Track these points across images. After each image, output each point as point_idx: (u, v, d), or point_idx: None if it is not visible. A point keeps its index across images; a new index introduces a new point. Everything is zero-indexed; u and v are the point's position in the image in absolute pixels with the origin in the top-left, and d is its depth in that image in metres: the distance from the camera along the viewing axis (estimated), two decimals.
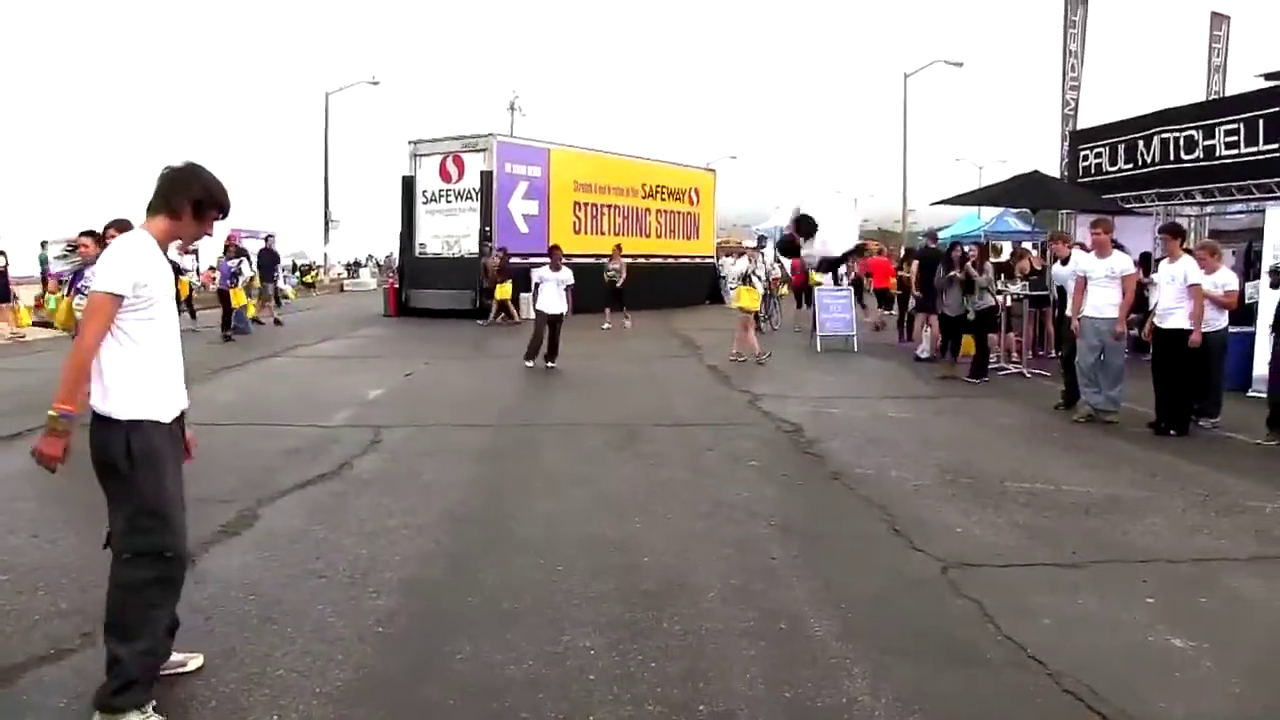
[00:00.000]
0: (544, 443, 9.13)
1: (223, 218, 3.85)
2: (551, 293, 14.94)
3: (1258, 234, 13.58)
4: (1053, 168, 21.66)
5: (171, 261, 4.09)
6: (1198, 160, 15.75)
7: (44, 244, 28.85)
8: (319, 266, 47.63)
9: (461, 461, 8.22)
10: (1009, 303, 15.11)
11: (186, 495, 3.97)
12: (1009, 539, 6.10)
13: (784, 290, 24.54)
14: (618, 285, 22.67)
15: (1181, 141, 16.09)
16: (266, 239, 26.78)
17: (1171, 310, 9.74)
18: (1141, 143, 17.26)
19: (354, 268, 55.70)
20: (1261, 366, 11.97)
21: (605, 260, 23.25)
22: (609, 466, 8.12)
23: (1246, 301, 11.84)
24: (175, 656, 3.97)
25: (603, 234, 27.74)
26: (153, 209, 3.73)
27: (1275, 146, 14.04)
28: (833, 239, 18.47)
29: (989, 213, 31.59)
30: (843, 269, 20.46)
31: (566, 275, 15.14)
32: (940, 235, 22.26)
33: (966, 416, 10.80)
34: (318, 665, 4.09)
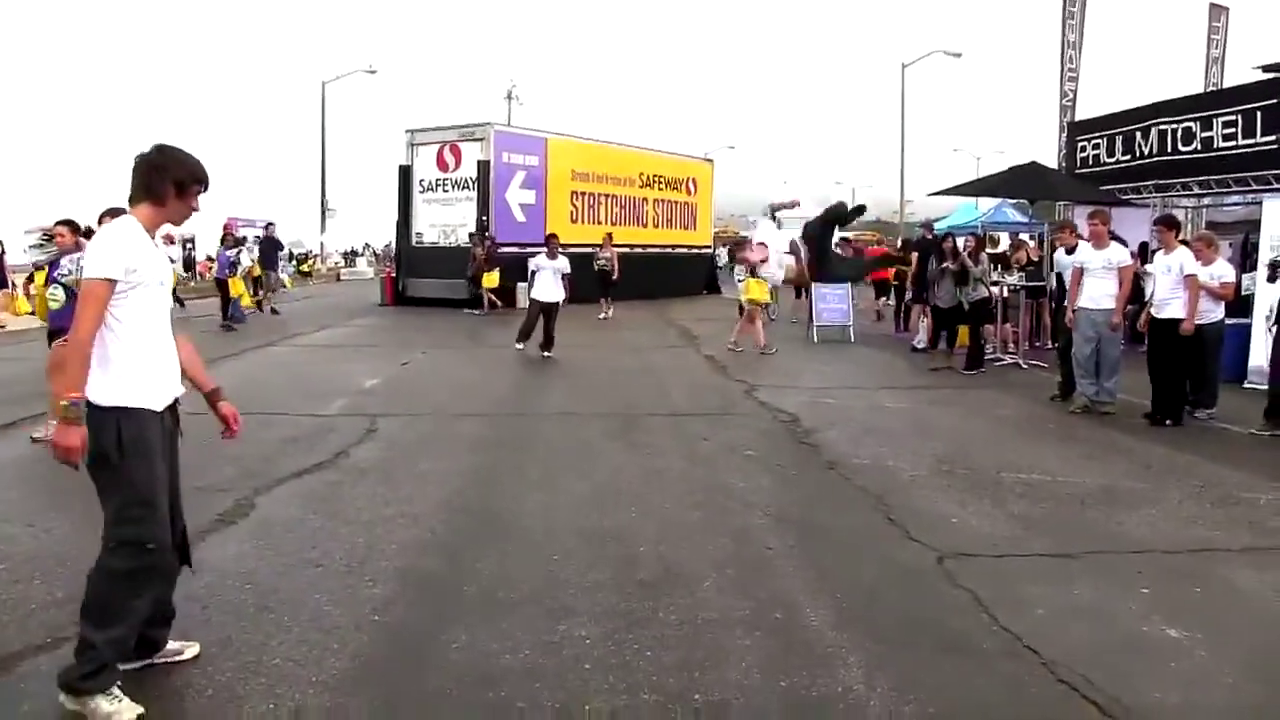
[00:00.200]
0: (540, 432, 9.14)
1: (205, 191, 3.83)
2: (548, 281, 14.93)
3: (1254, 226, 13.57)
4: (1050, 159, 21.63)
5: None
6: (1195, 152, 15.73)
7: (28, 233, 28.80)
8: (315, 255, 47.60)
9: (458, 451, 8.22)
10: (1005, 294, 15.12)
11: (183, 484, 3.98)
12: (1004, 529, 6.11)
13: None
14: (609, 274, 22.57)
15: (1179, 133, 16.07)
16: (267, 227, 26.66)
17: (1168, 301, 9.75)
18: (1139, 134, 17.24)
19: (351, 257, 55.67)
20: (1257, 358, 12.01)
21: (592, 250, 23.10)
22: (605, 456, 8.13)
23: (1243, 293, 11.85)
24: (171, 645, 3.97)
25: (600, 224, 27.72)
26: (134, 199, 3.72)
27: (1273, 138, 14.03)
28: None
29: (986, 204, 31.61)
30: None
31: (563, 264, 15.13)
32: (937, 226, 22.24)
33: (962, 407, 10.81)
34: (314, 654, 4.09)
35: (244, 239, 22.50)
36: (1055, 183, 18.26)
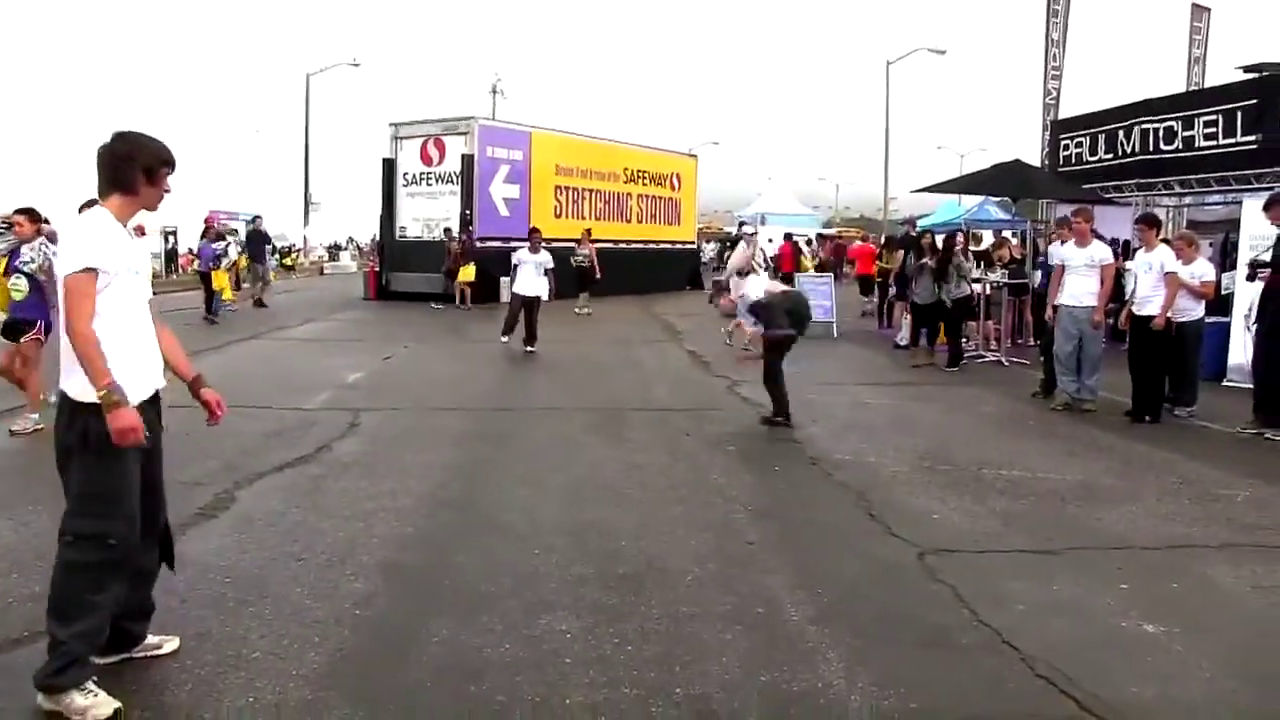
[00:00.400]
0: (523, 427, 9.13)
1: (173, 172, 3.78)
2: (530, 275, 14.89)
3: (1235, 225, 13.66)
4: (1033, 157, 21.76)
5: None
6: (1177, 151, 15.84)
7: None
8: (298, 249, 47.35)
9: (440, 445, 8.20)
10: (988, 291, 15.17)
11: (165, 477, 3.96)
12: (985, 525, 6.14)
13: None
14: (588, 270, 22.39)
15: (1161, 132, 16.17)
16: (255, 220, 26.39)
17: (1149, 299, 9.80)
18: (1122, 133, 17.34)
19: (335, 250, 55.42)
20: (1236, 356, 12.10)
21: (573, 245, 22.95)
22: (588, 451, 8.13)
23: (1223, 292, 11.93)
24: (150, 639, 3.95)
25: (584, 218, 27.67)
26: (103, 192, 3.67)
27: (1253, 138, 14.14)
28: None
29: (970, 201, 31.67)
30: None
31: (545, 258, 15.09)
32: (920, 223, 22.31)
33: (944, 404, 10.85)
34: (294, 648, 4.08)
35: (234, 231, 22.28)
36: (1038, 181, 18.34)
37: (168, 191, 3.80)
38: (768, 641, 4.26)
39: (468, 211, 24.60)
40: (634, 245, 30.29)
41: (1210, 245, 13.74)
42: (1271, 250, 9.34)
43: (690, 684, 3.84)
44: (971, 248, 20.25)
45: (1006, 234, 25.86)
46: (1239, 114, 14.43)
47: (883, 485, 7.06)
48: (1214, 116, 14.99)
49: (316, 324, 19.39)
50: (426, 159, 25.75)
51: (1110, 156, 17.80)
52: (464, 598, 4.72)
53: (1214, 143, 14.94)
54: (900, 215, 35.03)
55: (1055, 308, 10.48)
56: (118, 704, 3.50)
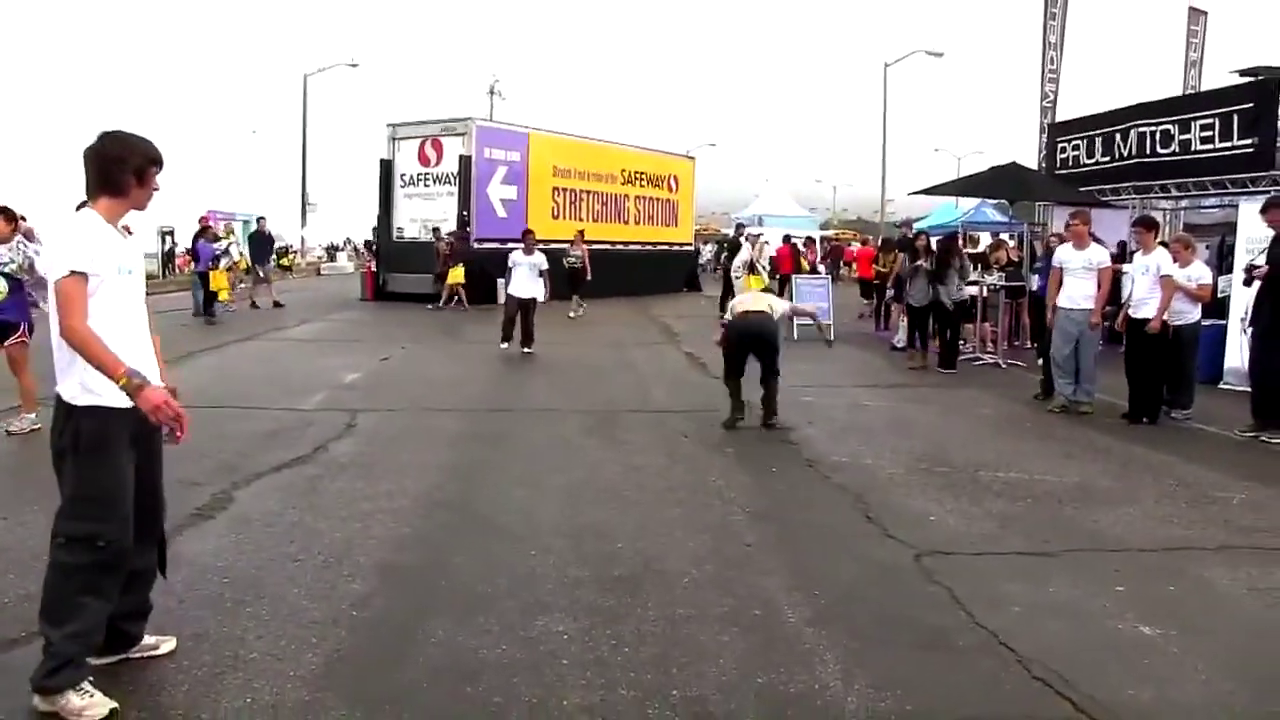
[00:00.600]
0: (520, 428, 9.12)
1: (161, 170, 3.76)
2: (524, 277, 14.87)
3: (1231, 228, 13.69)
4: (1030, 159, 21.80)
5: None
6: (1173, 154, 15.86)
7: None
8: (295, 250, 47.29)
9: (437, 446, 8.20)
10: (985, 293, 15.18)
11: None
12: (982, 527, 6.15)
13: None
14: (579, 272, 22.26)
15: (1158, 135, 16.20)
16: (259, 221, 26.21)
17: (1145, 301, 9.81)
18: (1118, 136, 17.37)
19: (333, 251, 55.36)
20: (1233, 359, 12.12)
21: (567, 246, 22.84)
22: (585, 452, 8.13)
23: (1219, 295, 11.95)
24: (147, 640, 3.95)
25: (581, 220, 27.69)
26: (92, 193, 3.64)
27: (1249, 142, 14.16)
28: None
29: (967, 203, 31.77)
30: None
31: (540, 259, 15.07)
32: (917, 225, 22.34)
33: (941, 406, 10.86)
34: (291, 648, 4.08)
35: (217, 236, 22.17)
36: (1035, 183, 18.34)
37: (156, 190, 3.78)
38: (765, 643, 4.26)
39: (465, 212, 24.60)
40: (631, 247, 30.32)
41: (1207, 248, 13.78)
42: (1267, 252, 9.36)
43: (687, 686, 3.84)
44: (968, 250, 20.26)
45: (1003, 236, 25.90)
46: (1235, 117, 14.45)
47: (880, 487, 7.06)
48: (1210, 120, 15.01)
49: (313, 325, 19.38)
50: (424, 160, 25.74)
51: (1107, 159, 17.83)
52: (461, 599, 4.72)
53: (1210, 146, 14.97)
54: (897, 217, 35.08)
55: (1054, 309, 10.48)
56: (114, 704, 3.50)
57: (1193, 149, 15.39)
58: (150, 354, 3.79)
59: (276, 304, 22.53)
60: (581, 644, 4.21)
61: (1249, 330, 10.22)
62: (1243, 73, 16.82)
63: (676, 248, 33.70)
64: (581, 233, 23.86)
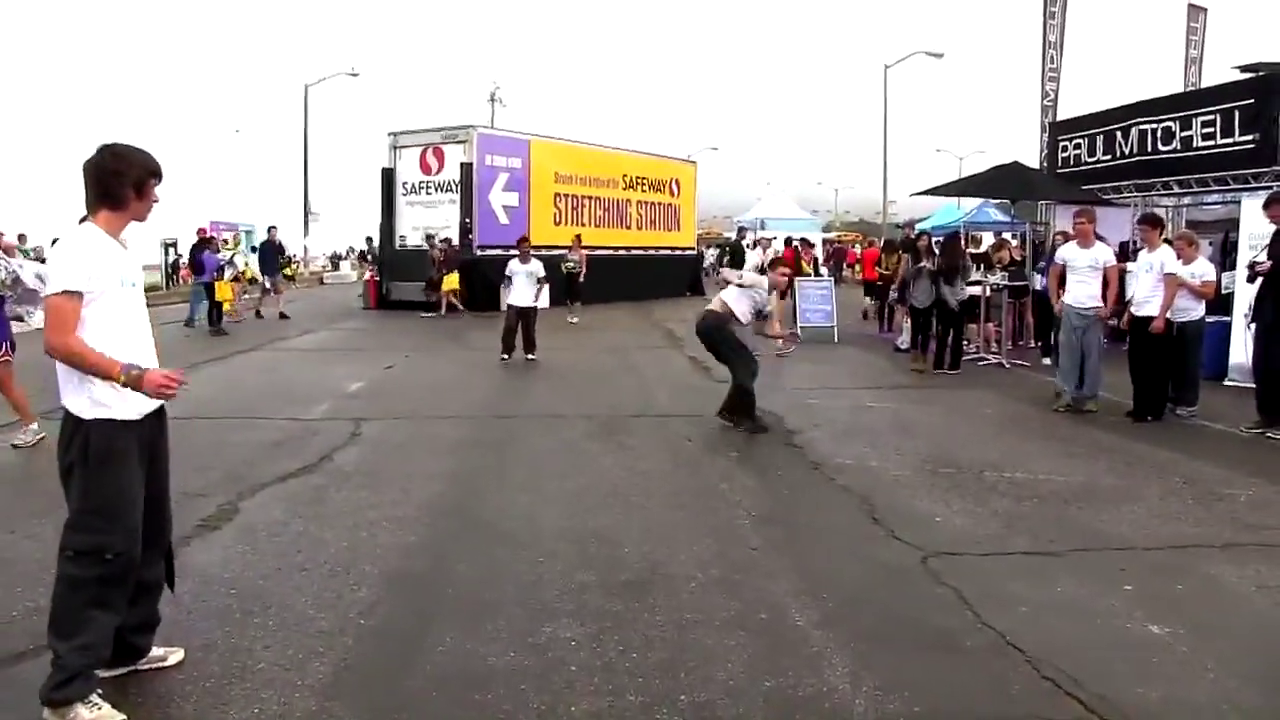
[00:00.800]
0: (524, 434, 9.13)
1: (160, 182, 3.76)
2: (521, 285, 14.84)
3: (1234, 224, 13.68)
4: (1032, 158, 21.80)
5: None
6: (1175, 151, 15.85)
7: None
8: (298, 260, 47.33)
9: (442, 453, 8.20)
10: (988, 293, 15.16)
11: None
12: (988, 528, 6.14)
13: None
14: (576, 276, 22.19)
15: (1159, 133, 16.19)
16: (270, 230, 26.10)
17: (1149, 299, 9.80)
18: (1120, 134, 17.36)
19: (336, 260, 55.40)
20: (1237, 355, 12.10)
21: (565, 251, 22.81)
22: (589, 457, 8.13)
23: (1223, 291, 11.94)
24: (155, 651, 3.95)
25: (583, 225, 27.70)
26: (91, 206, 3.65)
27: (1250, 138, 14.15)
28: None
29: (969, 204, 31.72)
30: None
31: (536, 267, 15.02)
32: (919, 226, 22.31)
33: (945, 407, 10.85)
34: (299, 658, 4.08)
35: (238, 240, 22.08)
36: (1037, 182, 18.34)
37: (156, 202, 3.79)
38: (772, 647, 4.26)
39: (467, 220, 24.61)
40: (634, 252, 30.32)
41: (1210, 245, 13.76)
42: (1268, 247, 9.35)
43: (695, 690, 3.83)
44: (970, 250, 20.21)
45: (1006, 236, 25.87)
46: (1236, 113, 14.45)
47: (885, 489, 7.06)
48: (1211, 116, 15.01)
49: (317, 334, 19.40)
50: (426, 168, 25.76)
51: (1109, 157, 17.83)
52: (468, 606, 4.72)
53: (1212, 143, 14.96)
54: (900, 219, 35.04)
55: (1061, 305, 10.45)
56: (123, 717, 3.51)
57: (1194, 146, 15.38)
58: (155, 361, 3.80)
59: (282, 315, 22.49)
60: (589, 649, 4.21)
61: (1252, 326, 10.21)
62: (1243, 69, 16.80)
63: (679, 252, 33.70)
64: (579, 237, 23.83)
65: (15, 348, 8.27)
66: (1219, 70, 24.91)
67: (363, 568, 5.24)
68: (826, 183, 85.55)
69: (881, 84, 44.25)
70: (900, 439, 8.87)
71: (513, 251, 15.95)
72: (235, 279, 21.03)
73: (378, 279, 26.59)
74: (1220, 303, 11.80)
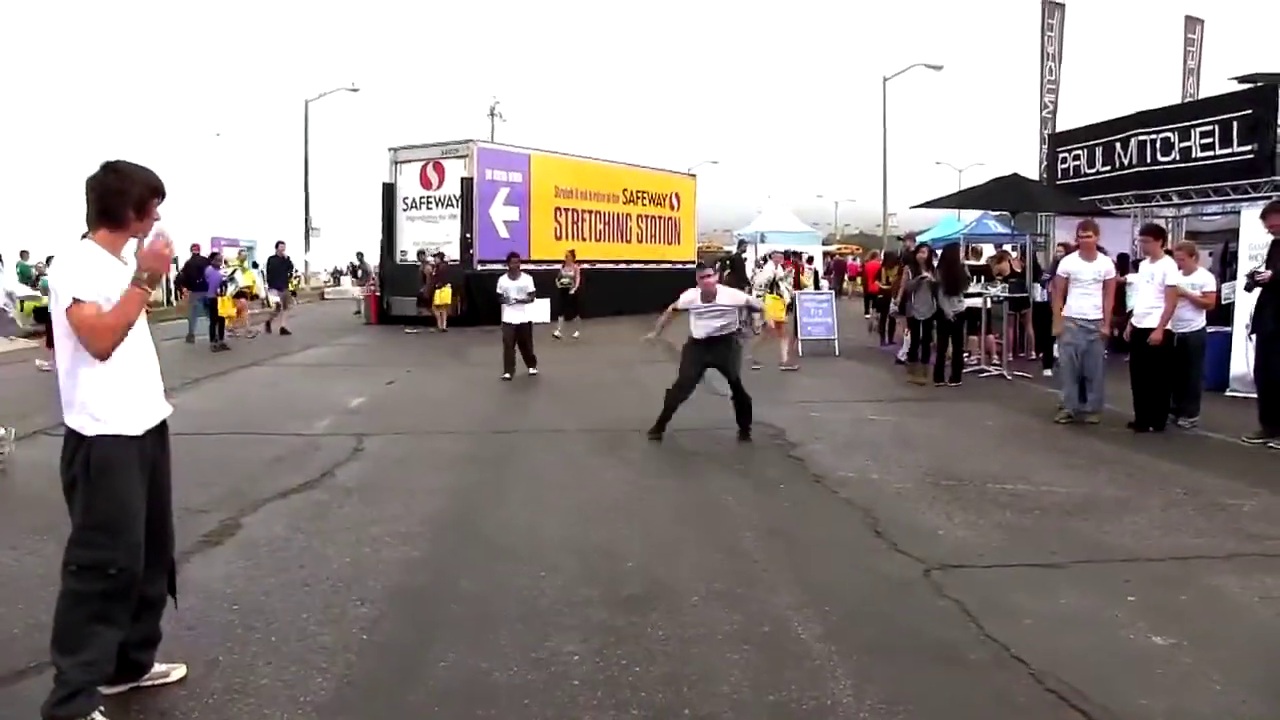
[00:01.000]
0: (527, 449, 9.13)
1: (162, 200, 3.76)
2: (515, 302, 14.80)
3: (1234, 235, 13.70)
4: (1031, 170, 21.82)
5: None
6: (1174, 162, 15.91)
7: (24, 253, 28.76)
8: (299, 275, 47.38)
9: (444, 468, 8.20)
10: (989, 305, 15.17)
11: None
12: (991, 540, 6.14)
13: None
14: (571, 292, 21.90)
15: (1158, 143, 16.24)
16: (277, 245, 25.98)
17: (1150, 310, 9.81)
18: (1119, 145, 17.41)
19: (337, 275, 55.44)
20: (1239, 366, 12.10)
21: (559, 266, 22.52)
22: (592, 472, 8.13)
23: (1223, 302, 11.95)
24: (158, 667, 3.95)
25: (584, 239, 27.77)
26: (92, 224, 3.65)
27: (1249, 148, 14.20)
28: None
29: (969, 215, 31.71)
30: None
31: (526, 282, 14.93)
32: (920, 238, 22.32)
33: (947, 419, 10.85)
34: (302, 674, 4.08)
35: (243, 257, 22.03)
36: (1037, 194, 18.38)
37: (158, 220, 3.79)
38: (775, 660, 4.25)
39: (468, 234, 24.66)
40: (634, 265, 30.36)
41: (1210, 255, 13.76)
42: (1266, 257, 9.37)
43: (699, 704, 3.83)
44: (971, 262, 20.23)
45: (1006, 248, 25.90)
46: (1235, 124, 14.50)
47: (887, 501, 7.05)
48: (1210, 127, 15.06)
49: (318, 349, 19.39)
50: (426, 183, 25.82)
51: (1108, 169, 17.87)
52: (471, 621, 4.72)
53: (1211, 153, 15.01)
54: (900, 231, 35.08)
55: (1064, 318, 10.45)
56: None
57: (1193, 156, 15.43)
58: (157, 380, 3.82)
59: (284, 331, 22.50)
60: (592, 664, 4.20)
61: (1252, 337, 10.22)
62: (1241, 80, 16.86)
63: (679, 265, 33.72)
64: (572, 252, 23.51)
65: None
66: (1217, 81, 25.02)
67: (365, 583, 5.24)
68: (827, 196, 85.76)
69: (881, 97, 44.40)
70: (902, 451, 8.87)
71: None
72: (239, 295, 21.01)
73: (378, 294, 26.60)
74: (1220, 313, 11.81)
